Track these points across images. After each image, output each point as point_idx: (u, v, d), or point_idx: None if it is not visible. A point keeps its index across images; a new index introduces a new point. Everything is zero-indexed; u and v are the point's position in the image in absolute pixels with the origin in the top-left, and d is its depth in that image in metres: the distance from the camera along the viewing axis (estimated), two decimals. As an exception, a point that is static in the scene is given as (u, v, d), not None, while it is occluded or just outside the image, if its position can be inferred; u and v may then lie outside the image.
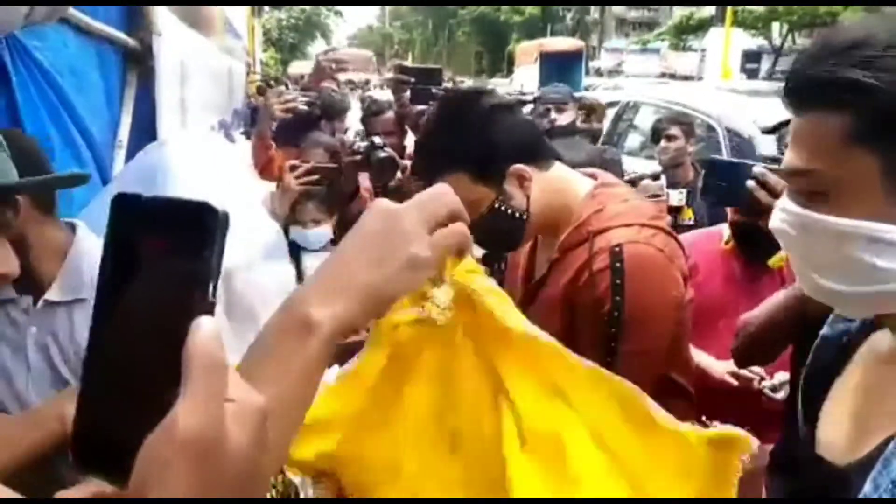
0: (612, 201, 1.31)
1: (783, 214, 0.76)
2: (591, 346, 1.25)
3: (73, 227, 1.32)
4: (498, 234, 1.35)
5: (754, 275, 2.07)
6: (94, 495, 0.46)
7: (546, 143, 1.34)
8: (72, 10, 1.61)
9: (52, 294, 1.27)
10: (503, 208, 1.30)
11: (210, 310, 0.41)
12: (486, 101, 1.30)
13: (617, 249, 1.22)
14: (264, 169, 2.56)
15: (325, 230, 2.50)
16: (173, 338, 0.39)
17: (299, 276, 2.41)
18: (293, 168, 2.55)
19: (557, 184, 1.34)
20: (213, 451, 0.37)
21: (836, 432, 0.82)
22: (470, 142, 1.28)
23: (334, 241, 2.55)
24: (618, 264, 1.21)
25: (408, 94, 2.84)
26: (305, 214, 2.50)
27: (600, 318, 1.23)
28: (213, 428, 0.37)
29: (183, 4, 3.32)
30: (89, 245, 1.31)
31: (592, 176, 1.42)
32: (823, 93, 0.69)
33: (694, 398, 1.45)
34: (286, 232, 2.48)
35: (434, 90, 2.72)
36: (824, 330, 0.93)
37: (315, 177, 2.54)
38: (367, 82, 12.24)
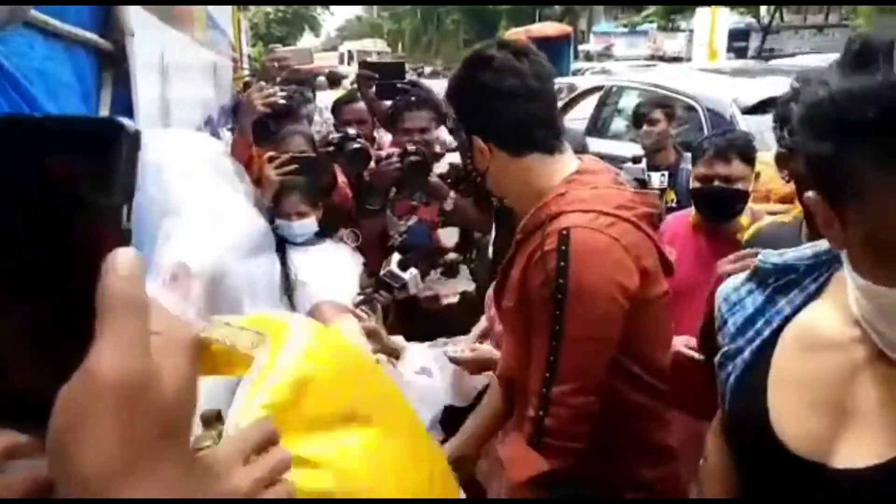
0: (580, 188, 1.34)
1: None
2: (540, 329, 1.28)
3: None
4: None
5: (719, 250, 2.10)
6: (5, 448, 0.44)
7: (531, 138, 1.37)
8: (34, 13, 1.60)
9: None
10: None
11: (126, 238, 0.37)
12: (491, 79, 1.36)
13: (564, 233, 1.25)
14: (246, 166, 2.56)
15: (310, 222, 2.51)
16: (87, 272, 0.35)
17: (284, 269, 2.43)
18: (272, 159, 2.57)
19: (532, 170, 1.38)
20: (139, 390, 0.35)
21: (802, 424, 0.80)
22: (460, 94, 1.43)
23: (318, 234, 2.57)
24: (563, 247, 1.23)
25: (373, 89, 2.85)
26: (290, 207, 2.51)
27: (547, 301, 1.25)
28: (136, 367, 0.35)
29: (172, 5, 3.31)
30: None
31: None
32: None
33: (665, 397, 1.45)
34: (272, 225, 2.49)
35: (398, 84, 2.73)
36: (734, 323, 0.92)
37: (294, 166, 2.56)
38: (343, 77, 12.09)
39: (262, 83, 2.78)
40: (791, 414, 0.81)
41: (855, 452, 0.75)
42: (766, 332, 0.87)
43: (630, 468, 1.39)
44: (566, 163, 1.41)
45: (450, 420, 2.35)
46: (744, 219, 2.16)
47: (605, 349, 1.29)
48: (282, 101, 2.78)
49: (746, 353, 0.88)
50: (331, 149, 2.72)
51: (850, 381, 0.77)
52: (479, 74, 1.37)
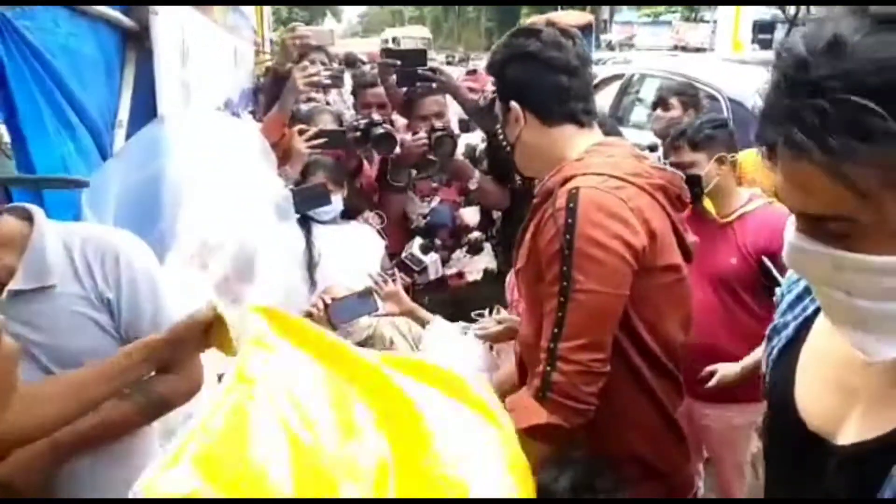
0: (597, 156, 1.39)
1: (804, 256, 0.71)
2: (550, 286, 1.31)
3: (27, 215, 1.31)
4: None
5: (706, 232, 2.13)
6: None
7: (566, 108, 1.43)
8: (62, -9, 1.62)
9: (16, 283, 1.26)
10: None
11: None
12: (536, 48, 1.41)
13: (573, 192, 1.29)
14: (274, 144, 2.55)
15: (335, 200, 2.53)
16: None
17: (309, 246, 2.45)
18: (301, 132, 2.59)
19: (561, 140, 1.43)
20: None
21: (819, 400, 0.81)
22: (504, 60, 1.46)
23: (344, 214, 2.60)
24: (571, 205, 1.27)
25: (394, 77, 2.86)
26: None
27: (555, 257, 1.28)
28: None
29: (187, 5, 3.32)
30: (50, 232, 1.30)
31: None
32: (854, 141, 0.61)
33: (680, 381, 1.47)
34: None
35: (420, 71, 2.74)
36: (783, 314, 0.93)
37: (323, 140, 2.59)
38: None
39: (305, 63, 2.76)
40: (811, 390, 0.83)
41: (849, 431, 0.76)
42: (811, 309, 0.87)
43: (630, 443, 1.39)
44: (592, 138, 1.44)
45: None
46: (708, 203, 2.26)
47: (613, 305, 1.29)
48: (326, 81, 2.79)
49: (790, 328, 0.90)
50: (358, 134, 2.73)
51: (865, 361, 0.76)
52: (526, 43, 1.42)
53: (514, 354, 1.61)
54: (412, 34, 30.43)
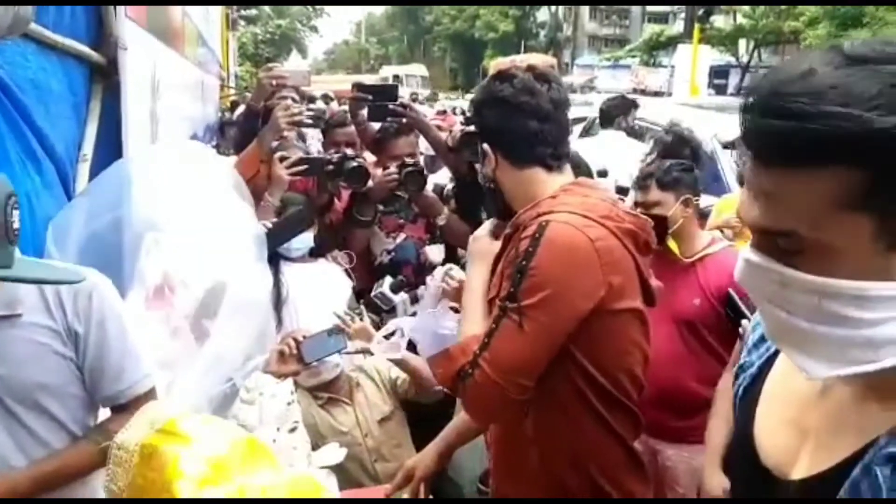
0: (572, 195, 1.43)
1: (754, 271, 0.73)
2: (497, 300, 1.34)
3: None
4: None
5: (670, 271, 2.18)
6: None
7: (534, 153, 1.47)
8: (33, 26, 1.61)
9: None
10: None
11: None
12: (509, 93, 1.45)
13: (543, 223, 1.33)
14: (248, 181, 2.52)
15: (305, 238, 2.52)
16: None
17: (277, 284, 2.42)
18: (282, 159, 2.59)
19: (530, 182, 1.47)
20: None
21: (774, 438, 0.83)
22: (479, 102, 1.52)
23: (312, 252, 2.58)
24: (538, 235, 1.31)
25: (365, 111, 2.88)
26: None
27: (508, 279, 1.33)
28: None
29: (172, 5, 3.31)
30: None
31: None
32: (811, 150, 0.63)
33: (639, 418, 1.48)
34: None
35: (391, 106, 2.76)
36: (748, 351, 0.95)
37: (304, 167, 2.59)
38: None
39: (288, 102, 2.75)
40: (768, 428, 0.84)
41: (801, 467, 0.78)
42: (773, 349, 0.89)
43: (586, 472, 1.41)
44: (562, 180, 1.48)
45: (416, 423, 2.38)
46: (672, 244, 2.29)
47: (548, 337, 1.32)
48: (308, 122, 2.77)
49: (755, 367, 0.92)
50: (331, 167, 2.74)
51: (818, 400, 0.79)
52: (500, 87, 1.47)
53: None
54: (413, 72, 31.37)
